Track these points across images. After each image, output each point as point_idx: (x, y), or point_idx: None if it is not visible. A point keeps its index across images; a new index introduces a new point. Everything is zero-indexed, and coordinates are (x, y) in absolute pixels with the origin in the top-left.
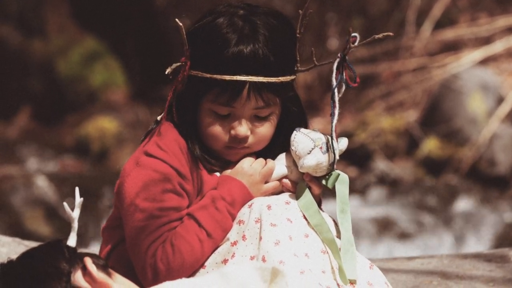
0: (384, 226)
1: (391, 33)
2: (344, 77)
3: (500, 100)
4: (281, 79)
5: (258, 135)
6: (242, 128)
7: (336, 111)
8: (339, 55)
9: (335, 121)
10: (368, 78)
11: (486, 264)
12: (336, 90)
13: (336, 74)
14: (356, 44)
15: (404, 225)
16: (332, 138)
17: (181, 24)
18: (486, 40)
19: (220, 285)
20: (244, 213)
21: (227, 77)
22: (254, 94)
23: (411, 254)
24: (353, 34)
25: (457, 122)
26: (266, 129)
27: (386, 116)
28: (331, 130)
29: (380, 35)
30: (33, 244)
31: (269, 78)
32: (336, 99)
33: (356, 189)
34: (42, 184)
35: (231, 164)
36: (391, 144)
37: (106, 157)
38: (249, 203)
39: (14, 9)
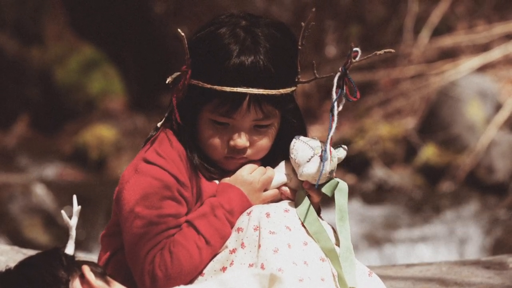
0: (383, 234)
1: (392, 50)
2: (345, 92)
3: (498, 107)
4: (282, 91)
5: (257, 146)
6: (241, 140)
7: (334, 125)
8: (340, 69)
9: (331, 133)
10: (366, 85)
11: (484, 271)
12: (335, 104)
13: (336, 88)
14: (357, 59)
15: (403, 233)
16: (325, 151)
17: (183, 34)
18: (484, 47)
19: None
20: (243, 220)
21: (227, 89)
22: (254, 106)
23: (410, 261)
24: (354, 49)
25: (455, 129)
26: (264, 141)
27: (384, 123)
28: (326, 143)
29: (382, 51)
30: (31, 252)
31: (269, 90)
32: (335, 113)
33: (355, 196)
34: (40, 192)
35: (230, 172)
36: (389, 152)
37: (104, 165)
38: (248, 210)
39: (12, 17)
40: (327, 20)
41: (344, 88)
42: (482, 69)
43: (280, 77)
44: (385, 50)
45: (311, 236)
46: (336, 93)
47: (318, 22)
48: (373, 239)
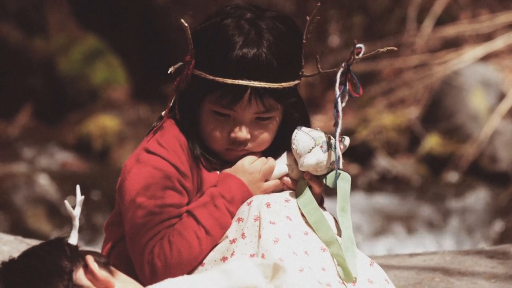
0: (386, 223)
1: (395, 48)
2: (347, 88)
3: (501, 97)
4: (284, 84)
5: (258, 139)
6: (242, 133)
7: (340, 121)
8: (343, 65)
9: (339, 130)
10: (370, 75)
11: (488, 260)
12: (339, 100)
13: (339, 85)
14: (360, 55)
15: (406, 222)
16: (335, 148)
17: (186, 24)
18: (487, 37)
19: (221, 281)
20: (243, 210)
21: (229, 81)
22: (255, 99)
23: (413, 250)
24: (358, 45)
25: (458, 118)
26: (266, 133)
27: (387, 113)
28: (335, 140)
29: (385, 49)
30: (35, 242)
31: (271, 83)
32: (340, 108)
33: (358, 186)
34: (44, 182)
35: (231, 162)
36: (392, 141)
37: (108, 155)
38: (248, 200)
39: (15, 8)
40: (330, 10)
41: (347, 84)
42: (486, 58)
43: (282, 70)
44: (388, 48)
45: (311, 226)
46: (339, 89)
47: (321, 12)
48: (376, 229)
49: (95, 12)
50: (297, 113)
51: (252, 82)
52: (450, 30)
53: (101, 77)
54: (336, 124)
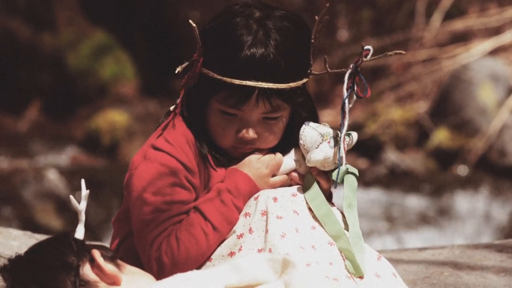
0: (395, 217)
1: (403, 52)
2: (355, 89)
3: (510, 91)
4: (292, 84)
5: (265, 138)
6: (248, 134)
7: (346, 122)
8: (351, 66)
9: (344, 131)
10: (378, 69)
11: (497, 254)
12: (346, 101)
13: (347, 85)
14: (368, 58)
15: (415, 216)
16: (339, 149)
17: (194, 24)
18: (496, 31)
19: (231, 277)
20: (250, 205)
21: (237, 81)
22: (262, 100)
23: (422, 245)
24: (366, 47)
25: (467, 112)
26: (273, 133)
27: (396, 107)
28: (340, 141)
29: (392, 53)
30: (44, 237)
31: (278, 84)
32: (347, 109)
33: (367, 180)
34: (53, 177)
35: (239, 159)
36: (401, 135)
37: (117, 150)
38: (255, 195)
39: (24, 3)
40: (338, 4)
41: (355, 85)
42: (494, 52)
43: (290, 70)
44: (396, 52)
45: (318, 221)
46: (347, 90)
47: (330, 6)
48: (385, 223)
49: (103, 7)
50: (305, 112)
51: (260, 83)
52: (458, 24)
53: (109, 72)
54: (342, 125)
